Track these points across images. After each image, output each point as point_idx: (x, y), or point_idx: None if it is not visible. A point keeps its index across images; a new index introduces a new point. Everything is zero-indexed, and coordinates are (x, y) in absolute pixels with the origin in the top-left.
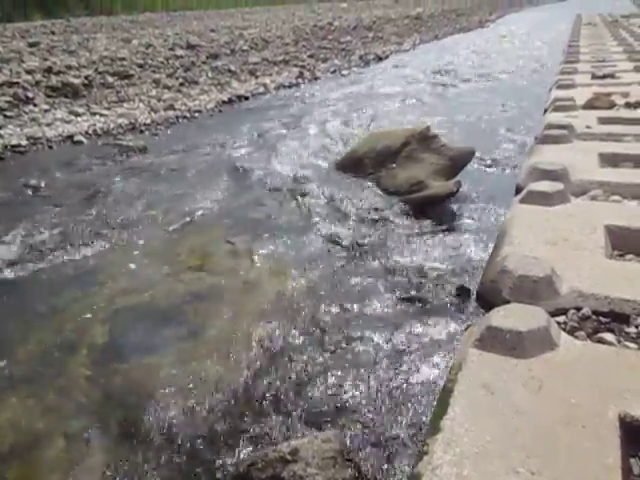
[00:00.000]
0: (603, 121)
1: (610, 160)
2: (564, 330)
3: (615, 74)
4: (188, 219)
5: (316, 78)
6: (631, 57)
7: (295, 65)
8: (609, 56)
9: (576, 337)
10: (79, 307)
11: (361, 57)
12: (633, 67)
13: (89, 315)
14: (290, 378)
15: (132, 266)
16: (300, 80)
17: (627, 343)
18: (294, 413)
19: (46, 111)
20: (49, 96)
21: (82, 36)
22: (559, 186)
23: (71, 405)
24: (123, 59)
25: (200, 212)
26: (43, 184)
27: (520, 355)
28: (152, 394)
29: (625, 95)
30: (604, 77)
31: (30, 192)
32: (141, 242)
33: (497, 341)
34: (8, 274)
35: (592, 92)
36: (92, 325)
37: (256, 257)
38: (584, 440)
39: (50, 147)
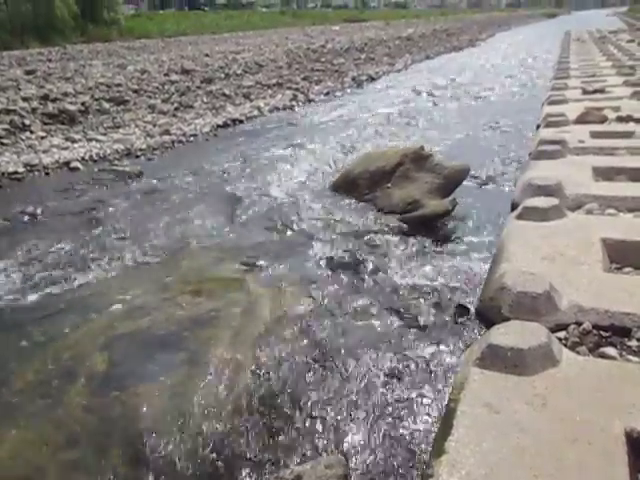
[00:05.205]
0: (596, 135)
1: (604, 174)
2: (565, 346)
3: (605, 89)
4: (184, 244)
5: (310, 100)
6: (620, 72)
7: (289, 88)
8: (599, 71)
9: (578, 352)
10: (77, 335)
11: (354, 78)
12: (622, 82)
13: (87, 343)
14: (290, 403)
15: (129, 292)
16: (294, 103)
17: (629, 357)
18: (296, 438)
19: (42, 138)
20: (45, 123)
21: (78, 63)
22: (554, 201)
23: (69, 436)
24: (119, 85)
25: (196, 236)
26: (40, 211)
27: (522, 373)
28: (151, 423)
29: (616, 109)
30: (595, 92)
31: (27, 219)
32: (138, 268)
33: (498, 359)
34: (4, 302)
35: (584, 107)
36: (90, 353)
37: (253, 281)
38: (591, 457)
39: (47, 174)
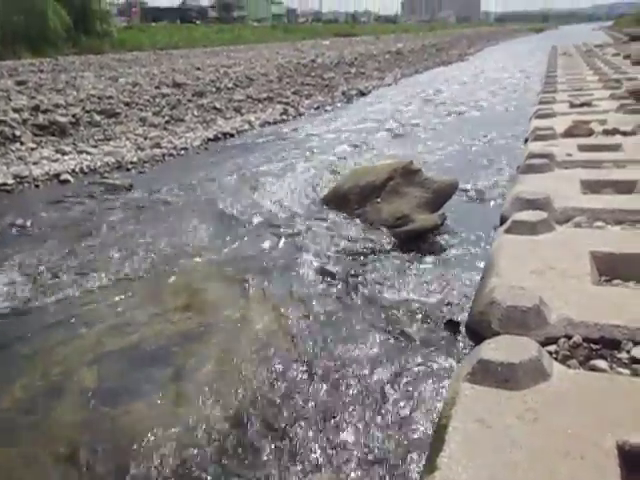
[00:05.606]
0: (583, 148)
1: (592, 187)
2: (556, 359)
3: (592, 102)
4: (175, 258)
5: (300, 114)
6: (606, 85)
7: (279, 102)
8: (585, 85)
9: (568, 366)
10: (66, 349)
11: (344, 93)
12: (609, 95)
13: (76, 358)
14: (282, 420)
15: (119, 306)
16: (284, 117)
17: (619, 369)
18: (287, 455)
19: (33, 149)
20: (36, 134)
21: (70, 74)
22: (543, 215)
23: (57, 454)
24: (110, 97)
25: (187, 250)
26: (29, 223)
27: (513, 387)
28: (141, 440)
29: (603, 122)
30: (582, 105)
31: (16, 231)
32: (128, 282)
33: (489, 374)
34: None
35: (571, 120)
36: (79, 368)
37: (244, 295)
38: (584, 471)
39: (37, 186)
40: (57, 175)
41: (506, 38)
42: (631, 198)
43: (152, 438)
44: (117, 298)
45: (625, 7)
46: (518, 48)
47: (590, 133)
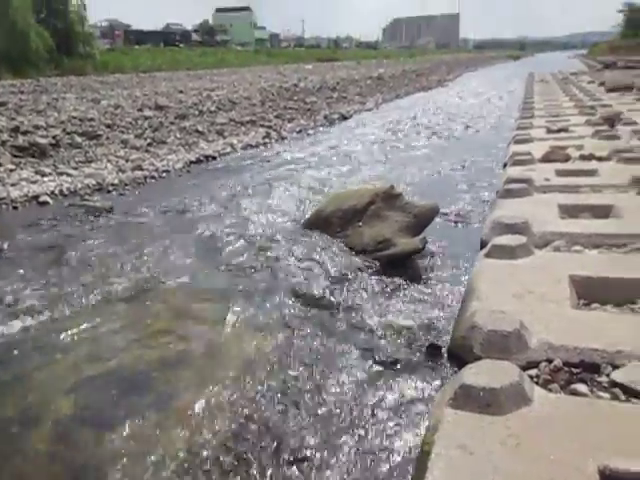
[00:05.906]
0: (560, 173)
1: (569, 211)
2: (537, 383)
3: (569, 128)
4: (155, 282)
5: (283, 138)
6: (582, 111)
7: (262, 125)
8: (562, 111)
9: (549, 390)
10: (41, 377)
11: (326, 117)
12: (584, 121)
13: (52, 385)
14: (261, 448)
15: (97, 332)
16: (267, 140)
17: (600, 393)
18: None
19: (12, 171)
20: (15, 156)
21: (51, 96)
22: (522, 239)
23: None
24: (92, 119)
25: (167, 275)
26: (6, 246)
27: (495, 412)
28: (119, 471)
29: (579, 148)
30: (559, 131)
31: None
32: (107, 306)
33: (471, 399)
34: None
35: (548, 146)
36: (55, 396)
37: (224, 321)
38: None
39: (15, 208)
40: (36, 197)
41: (484, 65)
42: (607, 222)
43: (130, 469)
44: (95, 323)
45: (599, 36)
46: (496, 74)
47: (567, 158)
